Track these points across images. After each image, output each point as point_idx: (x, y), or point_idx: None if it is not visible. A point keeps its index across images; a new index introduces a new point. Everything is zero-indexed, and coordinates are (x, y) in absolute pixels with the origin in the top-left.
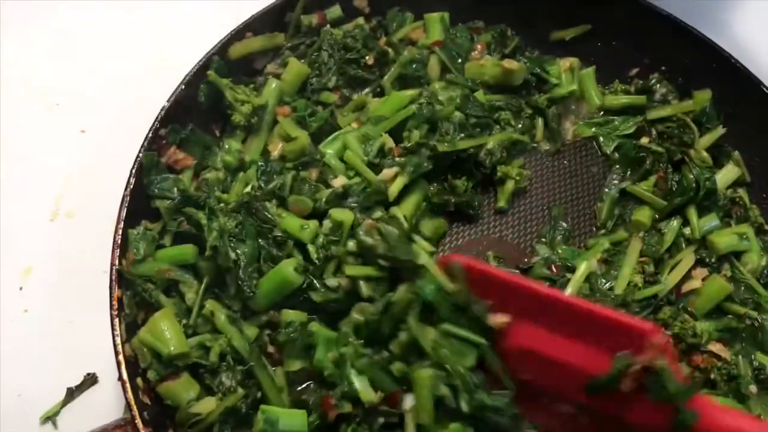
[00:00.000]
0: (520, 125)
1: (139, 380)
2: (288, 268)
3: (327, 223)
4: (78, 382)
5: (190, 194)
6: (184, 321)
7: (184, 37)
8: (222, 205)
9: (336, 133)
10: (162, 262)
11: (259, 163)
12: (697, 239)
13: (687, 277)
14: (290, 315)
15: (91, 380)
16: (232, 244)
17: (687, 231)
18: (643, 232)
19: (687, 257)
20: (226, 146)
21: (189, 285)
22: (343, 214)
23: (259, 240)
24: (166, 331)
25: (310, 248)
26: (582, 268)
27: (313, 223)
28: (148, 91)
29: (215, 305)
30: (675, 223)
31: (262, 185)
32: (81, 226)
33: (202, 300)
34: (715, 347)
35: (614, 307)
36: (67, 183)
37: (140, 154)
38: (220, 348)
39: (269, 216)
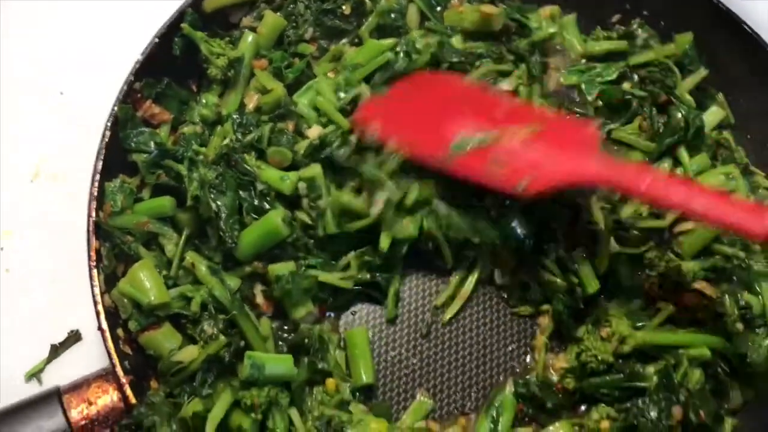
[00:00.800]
0: None
1: (120, 331)
2: (276, 219)
3: (302, 185)
4: (62, 339)
5: (168, 148)
6: (164, 273)
7: None
8: (201, 157)
9: (309, 83)
10: (140, 215)
11: (235, 116)
12: (690, 179)
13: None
14: (277, 269)
15: (74, 337)
16: (212, 196)
17: (678, 172)
18: None
19: None
20: (203, 100)
21: (168, 237)
22: (312, 170)
23: (240, 192)
24: (145, 281)
25: (302, 217)
26: None
27: (293, 174)
28: (126, 46)
29: (196, 257)
30: (666, 164)
31: (239, 137)
32: (62, 187)
33: (183, 252)
34: (701, 285)
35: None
36: (47, 145)
37: (115, 108)
38: (201, 298)
39: (249, 168)
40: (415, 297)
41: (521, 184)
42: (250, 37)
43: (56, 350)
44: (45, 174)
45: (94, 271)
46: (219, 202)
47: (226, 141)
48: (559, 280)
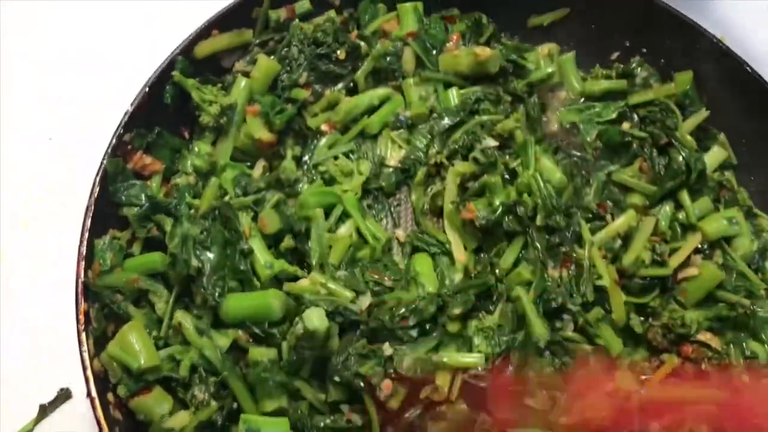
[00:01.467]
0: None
1: (110, 395)
2: (274, 301)
3: (299, 327)
4: (51, 398)
5: (159, 200)
6: (154, 333)
7: (150, 37)
8: (192, 211)
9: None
10: (130, 272)
11: (240, 180)
12: (693, 224)
13: (685, 264)
14: (258, 353)
15: (64, 396)
16: (197, 251)
17: (681, 216)
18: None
19: (691, 241)
20: (196, 149)
21: (159, 295)
22: (318, 323)
23: (227, 249)
24: (135, 344)
25: (284, 347)
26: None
27: (278, 264)
28: (116, 93)
29: (184, 316)
30: (668, 208)
31: (239, 193)
32: (51, 237)
33: (173, 310)
34: (705, 336)
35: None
36: (34, 191)
37: (104, 161)
38: (190, 360)
39: (239, 227)
40: None
41: None
42: (243, 82)
43: (45, 410)
44: (33, 223)
45: (83, 335)
46: (203, 258)
47: (227, 197)
48: (586, 345)
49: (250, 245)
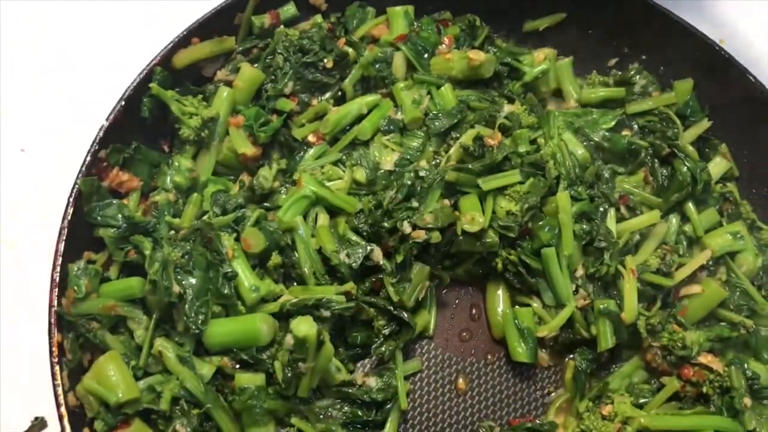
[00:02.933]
0: None
1: (86, 430)
2: (263, 326)
3: (289, 339)
4: (25, 428)
5: (137, 220)
6: (133, 362)
7: (128, 44)
8: (172, 232)
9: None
10: (106, 298)
11: (218, 197)
12: (699, 237)
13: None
14: (245, 379)
15: (39, 425)
16: (178, 276)
17: (687, 228)
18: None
19: (699, 257)
20: (176, 164)
21: (138, 321)
22: (306, 329)
23: (210, 273)
24: (112, 377)
25: (276, 368)
26: None
27: (264, 286)
28: (91, 105)
29: (164, 344)
30: (674, 220)
31: (218, 213)
32: (19, 256)
33: (152, 338)
34: (707, 359)
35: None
36: (4, 208)
37: (77, 181)
38: (171, 392)
39: (222, 249)
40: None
41: None
42: (225, 92)
43: None
44: (3, 241)
45: (57, 368)
46: (185, 283)
47: (206, 217)
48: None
49: (234, 268)
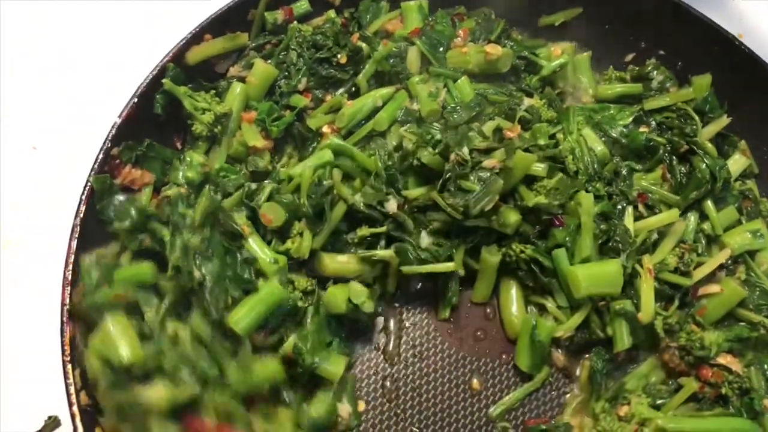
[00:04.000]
0: None
1: (98, 430)
2: (274, 287)
3: None
4: (39, 427)
5: (150, 213)
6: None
7: (141, 42)
8: (188, 220)
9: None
10: (119, 285)
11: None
12: (718, 235)
13: (707, 279)
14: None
15: (53, 424)
16: (197, 262)
17: (706, 226)
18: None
19: (718, 256)
20: (188, 159)
21: (150, 305)
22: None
23: (228, 258)
24: (118, 339)
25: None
26: None
27: (282, 259)
28: (104, 100)
29: (178, 326)
30: (693, 218)
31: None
32: (32, 253)
33: (164, 320)
34: (726, 359)
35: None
36: (17, 205)
37: (89, 180)
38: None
39: (237, 229)
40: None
41: None
42: (238, 88)
43: None
44: (13, 241)
45: (68, 366)
46: (204, 270)
47: (215, 195)
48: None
49: (251, 253)
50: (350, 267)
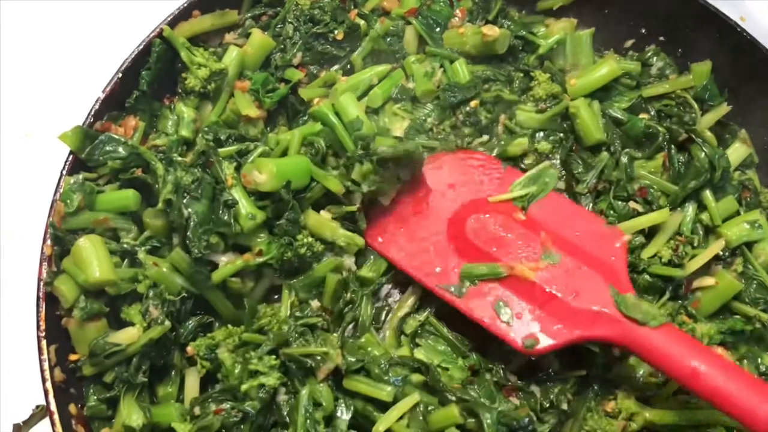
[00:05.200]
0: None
1: (72, 407)
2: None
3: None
4: (26, 417)
5: (142, 151)
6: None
7: (128, 19)
8: (181, 159)
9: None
10: (101, 210)
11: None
12: (716, 225)
13: (702, 271)
14: None
15: (41, 413)
16: (185, 201)
17: (704, 216)
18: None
19: (713, 247)
20: (179, 110)
21: (128, 231)
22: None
23: (214, 201)
24: (90, 257)
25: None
26: None
27: (261, 215)
28: (98, 87)
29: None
30: (691, 209)
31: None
32: (24, 240)
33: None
34: (717, 352)
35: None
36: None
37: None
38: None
39: (221, 175)
40: None
41: (528, 342)
42: (234, 51)
43: (20, 429)
44: (6, 227)
45: (43, 342)
46: (191, 209)
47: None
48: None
49: (233, 196)
50: None
